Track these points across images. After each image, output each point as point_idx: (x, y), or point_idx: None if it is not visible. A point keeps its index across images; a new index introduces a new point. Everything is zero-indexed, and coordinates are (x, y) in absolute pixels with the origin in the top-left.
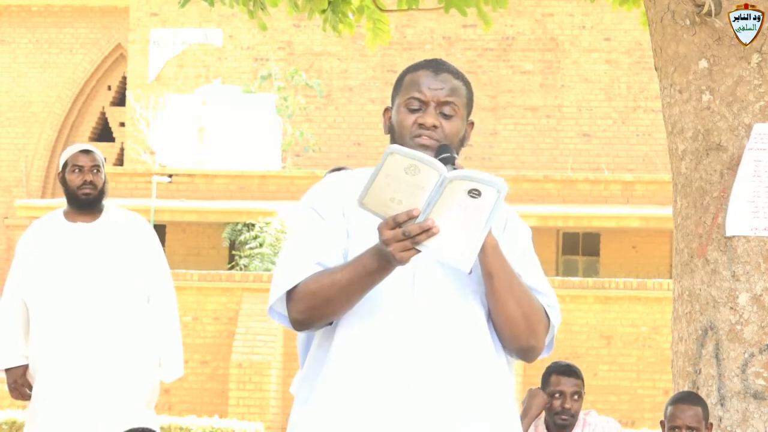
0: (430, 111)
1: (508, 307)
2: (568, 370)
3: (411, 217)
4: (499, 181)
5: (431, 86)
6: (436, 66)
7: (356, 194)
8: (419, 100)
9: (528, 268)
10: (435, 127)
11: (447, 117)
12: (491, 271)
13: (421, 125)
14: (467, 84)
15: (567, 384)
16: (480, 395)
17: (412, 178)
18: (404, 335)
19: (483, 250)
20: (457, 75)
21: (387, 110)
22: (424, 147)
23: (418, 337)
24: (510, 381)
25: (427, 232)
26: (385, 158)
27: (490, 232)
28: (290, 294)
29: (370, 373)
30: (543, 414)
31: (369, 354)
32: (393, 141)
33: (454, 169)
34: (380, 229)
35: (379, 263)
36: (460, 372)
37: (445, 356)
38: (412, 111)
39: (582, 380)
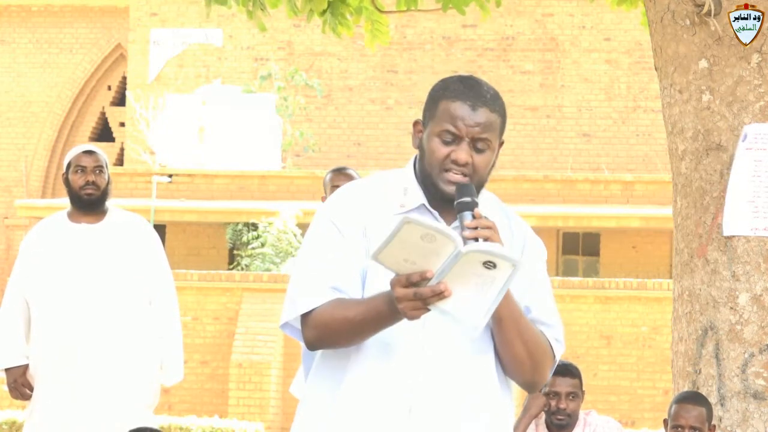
0: (463, 147)
1: (515, 349)
2: (564, 370)
3: (424, 278)
4: (514, 256)
5: (467, 122)
6: (474, 98)
7: (377, 210)
8: (453, 134)
9: (539, 298)
10: (467, 164)
11: (479, 151)
12: (501, 317)
13: (453, 161)
14: (502, 111)
15: (562, 384)
16: (481, 426)
17: (427, 245)
18: (414, 368)
19: None
20: (494, 106)
21: (417, 123)
22: (451, 183)
23: (426, 370)
24: (511, 416)
25: (439, 295)
26: (401, 226)
27: None
28: (304, 317)
29: (379, 401)
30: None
31: (379, 386)
32: (421, 160)
33: (473, 215)
34: (393, 285)
35: (390, 311)
36: (463, 404)
37: (450, 388)
38: (446, 143)
39: (579, 380)
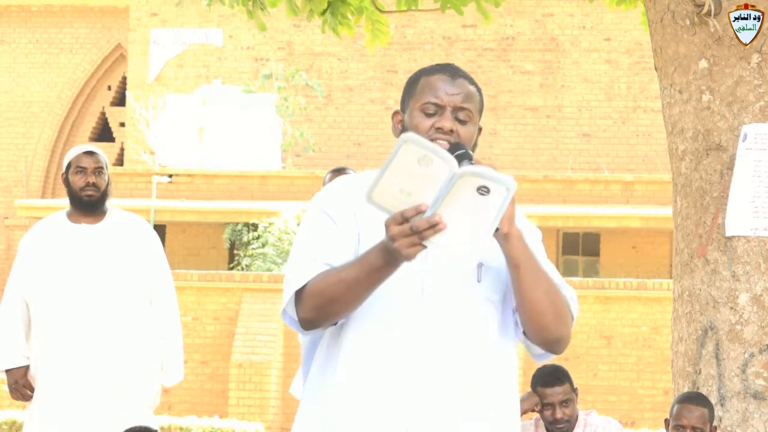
0: (446, 115)
1: (536, 297)
2: (553, 380)
3: (419, 212)
4: (508, 179)
5: (448, 91)
6: (451, 71)
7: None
8: (436, 104)
9: (546, 265)
10: (452, 131)
11: (462, 122)
12: (518, 262)
13: (438, 129)
14: (479, 90)
15: (553, 394)
16: (483, 398)
17: (424, 170)
18: (412, 340)
19: (508, 240)
20: (471, 81)
21: (396, 113)
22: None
23: (425, 341)
24: (515, 385)
25: (434, 227)
26: (400, 146)
27: (514, 223)
28: (298, 294)
29: (378, 377)
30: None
31: (377, 359)
32: None
33: (471, 164)
34: (387, 224)
35: (385, 260)
36: (463, 374)
37: (450, 359)
38: (428, 115)
39: (569, 383)
